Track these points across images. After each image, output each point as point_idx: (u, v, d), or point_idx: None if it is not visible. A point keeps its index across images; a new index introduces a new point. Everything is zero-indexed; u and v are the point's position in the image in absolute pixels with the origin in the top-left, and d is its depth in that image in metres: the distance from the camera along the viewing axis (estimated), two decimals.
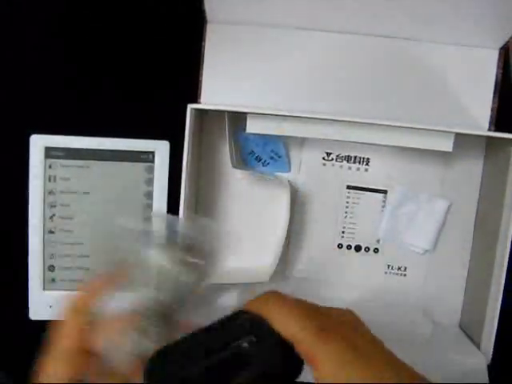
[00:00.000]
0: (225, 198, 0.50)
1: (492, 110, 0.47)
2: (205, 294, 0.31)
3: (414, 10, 0.43)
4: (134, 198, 0.47)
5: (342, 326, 0.24)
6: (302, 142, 0.49)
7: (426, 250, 0.50)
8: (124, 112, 0.48)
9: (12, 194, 0.47)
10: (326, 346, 0.22)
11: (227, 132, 0.46)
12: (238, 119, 0.46)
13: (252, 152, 0.49)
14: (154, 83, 0.48)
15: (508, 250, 0.42)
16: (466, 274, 0.50)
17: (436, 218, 0.49)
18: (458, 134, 0.42)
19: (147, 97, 0.48)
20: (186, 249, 0.28)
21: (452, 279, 0.50)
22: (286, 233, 0.47)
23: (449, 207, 0.49)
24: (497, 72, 0.47)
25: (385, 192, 0.50)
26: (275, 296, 0.25)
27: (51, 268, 0.47)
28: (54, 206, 0.47)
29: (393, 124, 0.41)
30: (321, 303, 0.27)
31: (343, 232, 0.50)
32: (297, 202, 0.50)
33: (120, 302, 0.28)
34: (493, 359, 0.43)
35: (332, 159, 0.50)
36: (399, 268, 0.50)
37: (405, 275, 0.50)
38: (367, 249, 0.50)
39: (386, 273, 0.51)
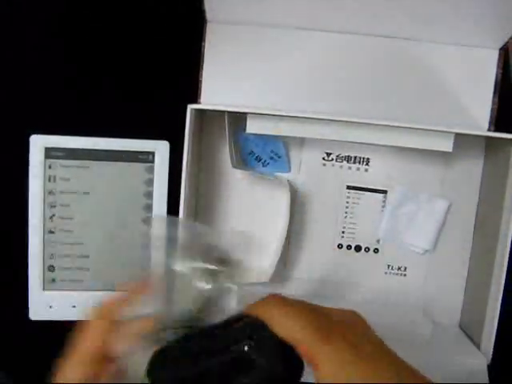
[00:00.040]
0: (225, 198, 0.50)
1: (492, 110, 0.47)
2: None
3: (414, 10, 0.43)
4: (133, 198, 0.47)
5: (342, 326, 0.24)
6: (301, 142, 0.49)
7: (426, 250, 0.50)
8: (124, 112, 0.48)
9: (12, 194, 0.47)
10: (326, 346, 0.22)
11: (227, 132, 0.46)
12: (237, 119, 0.46)
13: (252, 152, 0.49)
14: (153, 83, 0.48)
15: (508, 250, 0.42)
16: (465, 274, 0.50)
17: (436, 218, 0.49)
18: (457, 134, 0.42)
19: (147, 97, 0.48)
20: (208, 257, 0.28)
21: (452, 279, 0.50)
22: (286, 233, 0.47)
23: (449, 207, 0.49)
24: (497, 72, 0.47)
25: (385, 192, 0.50)
26: (275, 299, 0.25)
27: (51, 268, 0.47)
28: (54, 206, 0.47)
29: (393, 124, 0.41)
30: (321, 303, 0.27)
31: (343, 232, 0.50)
32: (297, 202, 0.50)
33: (145, 311, 0.28)
34: (493, 359, 0.43)
35: (332, 159, 0.50)
36: (399, 268, 0.50)
37: (405, 275, 0.50)
38: (367, 249, 0.50)
39: (385, 273, 0.51)
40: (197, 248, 0.28)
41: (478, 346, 0.44)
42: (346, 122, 0.42)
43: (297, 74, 0.47)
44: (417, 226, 0.49)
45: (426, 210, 0.49)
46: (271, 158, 0.49)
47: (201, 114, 0.47)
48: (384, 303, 0.50)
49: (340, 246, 0.50)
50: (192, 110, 0.42)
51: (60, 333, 0.48)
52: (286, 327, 0.24)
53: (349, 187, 0.50)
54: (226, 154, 0.47)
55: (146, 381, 0.25)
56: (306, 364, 0.24)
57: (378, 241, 0.50)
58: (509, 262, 0.42)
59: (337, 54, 0.47)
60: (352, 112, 0.47)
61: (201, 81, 0.47)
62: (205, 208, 0.49)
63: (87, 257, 0.48)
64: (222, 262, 0.28)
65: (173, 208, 0.46)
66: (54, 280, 0.48)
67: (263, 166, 0.49)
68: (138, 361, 0.26)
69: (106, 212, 0.47)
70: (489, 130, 0.47)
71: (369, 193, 0.50)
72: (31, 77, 0.47)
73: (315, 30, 0.46)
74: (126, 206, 0.48)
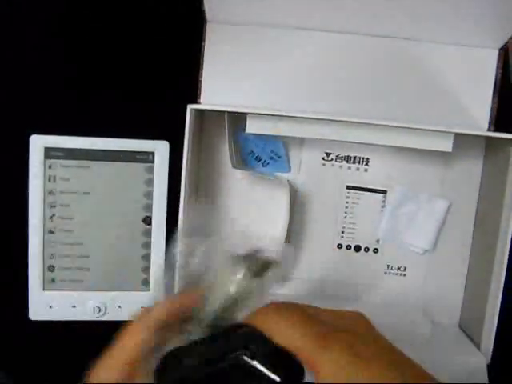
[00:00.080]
0: (225, 198, 0.50)
1: (491, 110, 0.47)
2: None
3: (414, 10, 0.43)
4: (133, 198, 0.47)
5: (342, 331, 0.23)
6: (301, 142, 0.49)
7: (426, 250, 0.50)
8: (124, 112, 0.48)
9: (12, 194, 0.47)
10: (325, 352, 0.22)
11: (227, 132, 0.46)
12: (237, 119, 0.46)
13: (252, 152, 0.49)
14: (153, 83, 0.48)
15: (508, 250, 0.42)
16: (465, 273, 0.50)
17: (436, 218, 0.49)
18: (457, 134, 0.42)
19: (147, 97, 0.48)
20: (249, 260, 0.28)
21: (452, 279, 0.50)
22: (285, 233, 0.47)
23: (448, 207, 0.49)
24: (496, 72, 0.47)
25: (384, 192, 0.50)
26: (274, 307, 0.25)
27: (51, 268, 0.47)
28: (54, 206, 0.47)
29: (392, 124, 0.41)
30: (321, 303, 0.27)
31: (343, 232, 0.50)
32: (296, 202, 0.50)
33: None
34: (492, 359, 0.43)
35: (332, 159, 0.50)
36: (399, 268, 0.50)
37: (404, 275, 0.50)
38: (367, 249, 0.50)
39: (385, 273, 0.51)
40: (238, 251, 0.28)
41: (478, 346, 0.45)
42: (346, 121, 0.42)
43: (297, 74, 0.47)
44: (416, 226, 0.49)
45: (426, 209, 0.49)
46: (271, 158, 0.49)
47: (201, 113, 0.47)
48: (384, 303, 0.50)
49: (340, 246, 0.50)
50: (192, 110, 0.42)
51: (60, 333, 0.48)
52: (285, 335, 0.23)
53: (348, 187, 0.50)
54: (225, 154, 0.47)
55: (155, 381, 0.25)
56: (306, 371, 0.24)
57: (378, 241, 0.50)
58: (508, 262, 0.42)
59: (337, 54, 0.47)
60: (352, 112, 0.47)
61: (201, 81, 0.47)
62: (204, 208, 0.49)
63: (87, 257, 0.48)
64: (263, 266, 0.28)
65: (173, 208, 0.46)
66: (53, 280, 0.48)
67: (263, 166, 0.49)
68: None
69: (105, 212, 0.47)
70: (488, 129, 0.47)
71: (368, 193, 0.50)
72: (31, 77, 0.47)
73: (315, 30, 0.46)
74: (125, 205, 0.48)
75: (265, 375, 0.23)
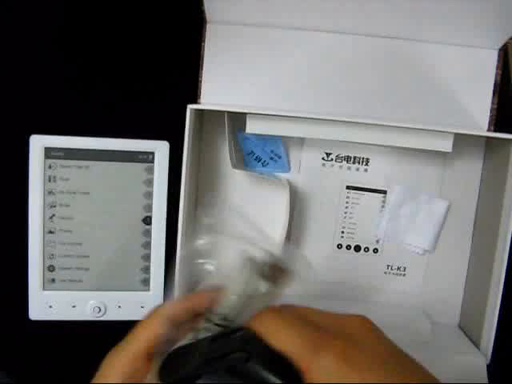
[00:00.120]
0: (224, 199, 0.50)
1: (491, 111, 0.47)
2: None
3: (414, 10, 0.43)
4: (133, 198, 0.47)
5: (337, 337, 0.23)
6: (301, 142, 0.49)
7: (426, 250, 0.50)
8: (124, 112, 0.48)
9: (12, 194, 0.47)
10: (318, 358, 0.22)
11: (227, 132, 0.46)
12: (237, 119, 0.46)
13: (252, 152, 0.49)
14: (153, 83, 0.48)
15: (507, 250, 0.42)
16: (465, 273, 0.50)
17: (435, 219, 0.49)
18: (457, 135, 0.42)
19: (147, 97, 0.48)
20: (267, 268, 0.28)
21: (451, 279, 0.50)
22: (285, 233, 0.47)
23: (448, 207, 0.49)
24: (496, 72, 0.47)
25: (384, 192, 0.50)
26: (271, 311, 0.25)
27: (51, 268, 0.47)
28: (54, 207, 0.47)
29: (392, 124, 0.42)
30: (321, 303, 0.27)
31: (343, 232, 0.50)
32: (296, 203, 0.50)
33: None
34: (492, 359, 0.43)
35: (331, 159, 0.50)
36: (399, 268, 0.51)
37: (404, 275, 0.51)
38: (367, 249, 0.50)
39: (385, 273, 0.51)
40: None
41: (478, 346, 0.45)
42: (346, 122, 0.42)
43: (297, 74, 0.47)
44: (416, 226, 0.49)
45: (426, 210, 0.49)
46: (271, 159, 0.49)
47: (201, 114, 0.47)
48: (383, 303, 0.50)
49: (339, 246, 0.50)
50: (192, 110, 0.42)
51: (60, 333, 0.48)
52: (280, 339, 0.24)
53: (348, 187, 0.50)
54: (225, 154, 0.47)
55: (157, 380, 0.25)
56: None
57: (378, 241, 0.50)
58: (508, 262, 0.42)
59: (337, 54, 0.47)
60: (352, 112, 0.47)
61: (200, 81, 0.47)
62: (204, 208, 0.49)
63: (87, 257, 0.48)
64: (279, 273, 0.28)
65: (173, 208, 0.46)
66: (53, 280, 0.48)
67: (263, 166, 0.49)
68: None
69: (105, 212, 0.47)
70: (488, 130, 0.47)
71: (368, 193, 0.50)
72: (31, 77, 0.47)
73: (315, 30, 0.46)
74: (125, 205, 0.48)
75: (259, 377, 0.23)
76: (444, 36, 0.46)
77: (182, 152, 0.43)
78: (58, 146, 0.46)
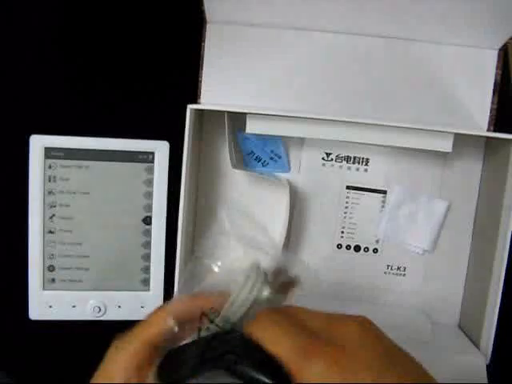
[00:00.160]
0: (224, 199, 0.50)
1: (491, 111, 0.47)
2: None
3: (414, 10, 0.43)
4: (133, 198, 0.47)
5: (330, 343, 0.23)
6: (301, 142, 0.49)
7: (426, 250, 0.50)
8: (124, 112, 0.48)
9: (12, 194, 0.47)
10: (309, 365, 0.22)
11: (227, 132, 0.46)
12: (237, 119, 0.46)
13: (252, 152, 0.49)
14: (153, 83, 0.48)
15: (507, 250, 0.42)
16: (465, 273, 0.50)
17: (435, 219, 0.49)
18: (457, 135, 0.42)
19: (147, 97, 0.48)
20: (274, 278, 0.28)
21: (451, 279, 0.50)
22: (285, 233, 0.47)
23: (448, 207, 0.49)
24: (496, 72, 0.47)
25: (384, 192, 0.50)
26: (267, 316, 0.25)
27: (51, 268, 0.47)
28: (54, 206, 0.47)
29: (392, 124, 0.42)
30: (320, 303, 0.27)
31: (342, 232, 0.50)
32: (296, 203, 0.50)
33: None
34: (492, 359, 0.43)
35: (331, 159, 0.50)
36: (398, 268, 0.51)
37: (404, 275, 0.51)
38: (366, 249, 0.50)
39: (385, 273, 0.51)
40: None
41: (477, 346, 0.45)
42: (346, 122, 0.42)
43: (297, 74, 0.47)
44: (416, 226, 0.49)
45: (426, 210, 0.49)
46: (271, 159, 0.49)
47: (200, 114, 0.47)
48: (383, 303, 0.50)
49: (339, 246, 0.50)
50: (192, 110, 0.42)
51: (60, 333, 0.48)
52: (273, 344, 0.24)
53: (348, 187, 0.50)
54: (225, 154, 0.47)
55: (156, 380, 0.25)
56: None
57: (378, 241, 0.50)
58: (508, 262, 0.42)
59: (336, 54, 0.47)
60: (352, 112, 0.47)
61: (200, 81, 0.47)
62: (204, 208, 0.50)
63: (87, 257, 0.48)
64: (287, 284, 0.28)
65: (172, 208, 0.46)
66: (53, 280, 0.48)
67: (263, 166, 0.49)
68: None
69: (105, 212, 0.47)
70: (488, 130, 0.47)
71: (368, 193, 0.50)
72: (31, 77, 0.47)
73: (315, 30, 0.46)
74: (125, 205, 0.48)
75: (251, 379, 0.24)
76: (444, 36, 0.46)
77: (181, 152, 0.43)
78: (58, 146, 0.46)
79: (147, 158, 0.47)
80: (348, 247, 0.50)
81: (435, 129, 0.42)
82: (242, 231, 0.29)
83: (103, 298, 0.48)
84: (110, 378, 0.27)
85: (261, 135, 0.46)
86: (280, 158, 0.49)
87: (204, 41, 0.47)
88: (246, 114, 0.43)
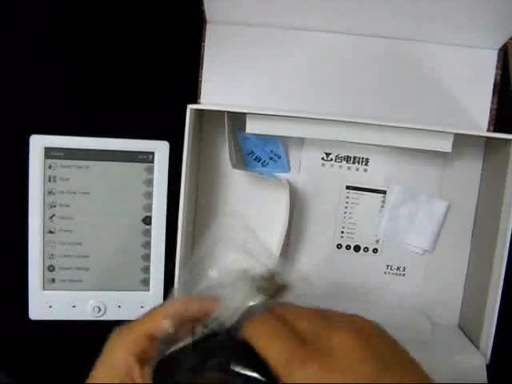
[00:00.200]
0: (224, 199, 0.50)
1: (491, 111, 0.47)
2: None
3: (414, 10, 0.43)
4: (133, 198, 0.47)
5: (317, 350, 0.23)
6: (301, 142, 0.49)
7: (426, 251, 0.50)
8: (124, 112, 0.48)
9: (12, 194, 0.47)
10: (297, 371, 0.22)
11: (227, 132, 0.46)
12: (237, 119, 0.46)
13: (251, 152, 0.49)
14: (153, 83, 0.48)
15: (507, 250, 0.42)
16: (465, 274, 0.50)
17: (435, 219, 0.49)
18: (457, 135, 0.42)
19: (147, 97, 0.48)
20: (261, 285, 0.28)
21: (451, 279, 0.50)
22: (285, 233, 0.47)
23: (448, 207, 0.49)
24: (496, 72, 0.47)
25: (384, 192, 0.50)
26: (261, 320, 0.26)
27: (51, 268, 0.47)
28: (54, 206, 0.47)
29: (392, 124, 0.42)
30: (320, 304, 0.27)
31: (342, 232, 0.50)
32: (296, 203, 0.50)
33: None
34: (492, 359, 0.43)
35: (331, 159, 0.50)
36: (398, 268, 0.51)
37: (404, 275, 0.51)
38: (366, 249, 0.50)
39: (385, 273, 0.51)
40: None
41: (477, 346, 0.45)
42: (346, 122, 0.42)
43: (297, 74, 0.47)
44: (416, 227, 0.49)
45: (426, 210, 0.49)
46: (271, 159, 0.49)
47: (200, 114, 0.47)
48: (383, 303, 0.50)
49: (339, 246, 0.50)
50: (192, 110, 0.42)
51: (60, 333, 0.48)
52: (263, 348, 0.24)
53: (348, 187, 0.50)
54: (225, 154, 0.47)
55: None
56: None
57: (378, 241, 0.50)
58: (508, 262, 0.42)
59: (336, 54, 0.47)
60: (352, 112, 0.47)
61: (200, 81, 0.47)
62: (204, 208, 0.50)
63: (87, 257, 0.48)
64: (278, 289, 0.28)
65: (172, 208, 0.46)
66: (53, 280, 0.48)
67: (263, 166, 0.49)
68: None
69: (105, 212, 0.47)
70: (488, 130, 0.47)
71: (368, 193, 0.50)
72: (31, 77, 0.47)
73: (315, 30, 0.46)
74: (125, 205, 0.48)
75: (243, 381, 0.24)
76: (444, 36, 0.46)
77: (181, 152, 0.43)
78: (58, 146, 0.46)
79: (147, 158, 0.47)
80: (348, 247, 0.50)
81: (435, 129, 0.42)
82: (238, 237, 0.30)
83: (103, 297, 0.48)
84: (110, 367, 0.27)
85: (261, 135, 0.46)
86: (280, 157, 0.49)
87: (204, 41, 0.47)
88: (245, 114, 0.43)
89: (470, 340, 0.46)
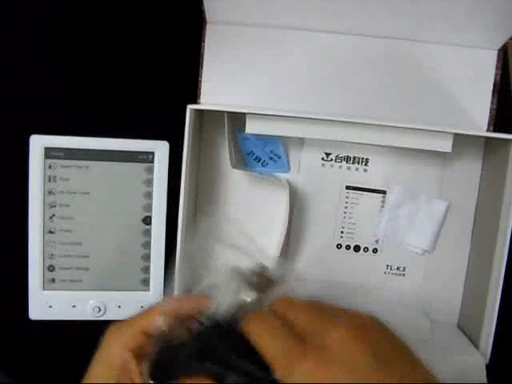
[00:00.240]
0: (224, 199, 0.50)
1: (491, 111, 0.47)
2: None
3: (414, 10, 0.43)
4: (133, 198, 0.48)
5: (316, 348, 0.23)
6: (301, 142, 0.49)
7: (425, 251, 0.50)
8: (124, 112, 0.48)
9: (12, 195, 0.47)
10: (295, 369, 0.23)
11: (226, 132, 0.46)
12: (237, 119, 0.46)
13: (251, 152, 0.49)
14: (153, 83, 0.48)
15: (506, 250, 0.42)
16: (464, 273, 0.50)
17: (435, 219, 0.49)
18: (456, 135, 0.43)
19: (147, 97, 0.48)
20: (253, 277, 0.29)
21: (451, 279, 0.50)
22: (285, 233, 0.47)
23: (448, 207, 0.49)
24: (496, 73, 0.47)
25: (384, 192, 0.50)
26: (260, 317, 0.26)
27: (51, 268, 0.47)
28: (54, 206, 0.47)
29: (392, 124, 0.42)
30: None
31: (342, 232, 0.50)
32: (296, 203, 0.50)
33: None
34: (491, 359, 0.43)
35: (331, 159, 0.50)
36: (398, 268, 0.51)
37: (404, 275, 0.51)
38: (366, 249, 0.51)
39: (384, 273, 0.51)
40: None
41: (477, 346, 0.45)
42: (346, 122, 0.42)
43: (297, 74, 0.47)
44: (416, 227, 0.49)
45: (425, 210, 0.49)
46: (271, 159, 0.49)
47: (200, 114, 0.47)
48: (383, 303, 0.50)
49: (339, 246, 0.50)
50: (191, 110, 0.42)
51: (60, 333, 0.48)
52: (261, 345, 0.24)
53: (348, 187, 0.50)
54: (225, 154, 0.47)
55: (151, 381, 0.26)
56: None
57: (377, 241, 0.50)
58: (507, 262, 0.42)
59: (336, 55, 0.47)
60: (351, 112, 0.47)
61: (200, 81, 0.47)
62: (204, 209, 0.50)
63: (87, 257, 0.48)
64: (267, 284, 0.29)
65: (172, 208, 0.46)
66: (53, 280, 0.48)
67: (263, 166, 0.49)
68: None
69: (105, 212, 0.47)
70: (488, 130, 0.47)
71: (368, 193, 0.50)
72: (31, 77, 0.47)
73: (315, 30, 0.47)
74: (125, 206, 0.48)
75: (239, 372, 0.24)
76: (444, 36, 0.46)
77: (181, 152, 0.43)
78: (58, 146, 0.46)
79: (147, 158, 0.47)
80: (348, 247, 0.50)
81: (435, 129, 0.42)
82: (234, 239, 0.30)
83: (103, 297, 0.48)
84: (107, 363, 0.27)
85: (260, 135, 0.47)
86: (280, 158, 0.49)
87: (204, 41, 0.47)
88: (245, 114, 0.43)
89: (470, 340, 0.47)
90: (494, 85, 0.47)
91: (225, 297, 0.27)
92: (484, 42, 0.46)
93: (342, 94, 0.47)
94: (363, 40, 0.47)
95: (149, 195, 0.48)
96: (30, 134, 0.46)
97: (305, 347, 0.23)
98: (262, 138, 0.48)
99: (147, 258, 0.48)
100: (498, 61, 0.46)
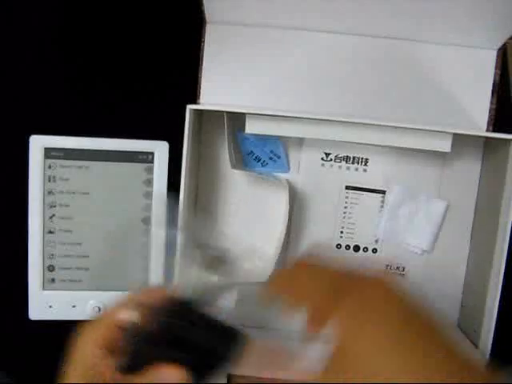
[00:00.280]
0: (224, 199, 0.50)
1: (490, 111, 0.47)
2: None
3: (414, 10, 0.43)
4: (133, 198, 0.48)
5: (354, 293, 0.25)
6: (300, 142, 0.49)
7: (425, 251, 0.50)
8: (123, 112, 0.48)
9: (12, 195, 0.47)
10: (340, 303, 0.24)
11: (226, 132, 0.46)
12: (237, 119, 0.46)
13: (251, 152, 0.49)
14: (153, 83, 0.48)
15: (506, 250, 0.42)
16: (464, 273, 0.50)
17: (434, 219, 0.49)
18: (456, 135, 0.43)
19: (147, 97, 0.48)
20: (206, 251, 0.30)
21: (450, 279, 0.50)
22: (284, 233, 0.47)
23: (447, 207, 0.49)
24: (495, 73, 0.47)
25: (383, 192, 0.50)
26: (289, 274, 0.28)
27: (51, 268, 0.47)
28: (54, 207, 0.47)
29: (391, 124, 0.42)
30: None
31: (342, 232, 0.50)
32: (296, 203, 0.50)
33: None
34: (491, 359, 0.43)
35: (331, 159, 0.50)
36: (398, 268, 0.51)
37: (403, 275, 0.51)
38: (366, 249, 0.51)
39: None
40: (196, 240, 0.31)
41: (477, 346, 0.45)
42: (345, 122, 0.42)
43: (297, 74, 0.47)
44: (415, 227, 0.49)
45: (425, 210, 0.49)
46: (270, 159, 0.49)
47: (200, 114, 0.47)
48: None
49: (339, 246, 0.51)
50: (191, 110, 0.42)
51: (60, 333, 0.48)
52: (302, 294, 0.26)
53: (347, 187, 0.50)
54: (225, 154, 0.47)
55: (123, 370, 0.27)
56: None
57: (377, 241, 0.50)
58: (506, 262, 0.42)
59: (336, 55, 0.47)
60: (351, 112, 0.47)
61: (200, 81, 0.47)
62: (204, 209, 0.50)
63: (87, 257, 0.48)
64: (218, 260, 0.30)
65: None
66: (53, 280, 0.48)
67: (262, 166, 0.49)
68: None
69: (105, 212, 0.48)
70: (487, 130, 0.47)
71: (367, 193, 0.50)
72: (31, 77, 0.47)
73: (315, 30, 0.47)
74: (125, 206, 0.48)
75: (199, 344, 0.26)
76: (443, 36, 0.46)
77: (181, 152, 0.43)
78: (58, 146, 0.46)
79: (147, 158, 0.47)
80: (347, 247, 0.51)
81: (434, 129, 0.42)
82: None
83: (103, 298, 0.48)
84: (79, 361, 0.28)
85: (260, 135, 0.47)
86: (279, 158, 0.49)
87: (204, 41, 0.47)
88: (245, 114, 0.43)
89: (470, 340, 0.47)
90: (494, 85, 0.47)
91: (187, 277, 0.29)
92: (484, 42, 0.46)
93: (342, 94, 0.47)
94: (363, 40, 0.47)
95: (149, 195, 0.48)
96: (29, 134, 0.46)
97: (337, 301, 0.25)
98: (261, 138, 0.48)
99: (147, 258, 0.48)
100: (497, 61, 0.47)
